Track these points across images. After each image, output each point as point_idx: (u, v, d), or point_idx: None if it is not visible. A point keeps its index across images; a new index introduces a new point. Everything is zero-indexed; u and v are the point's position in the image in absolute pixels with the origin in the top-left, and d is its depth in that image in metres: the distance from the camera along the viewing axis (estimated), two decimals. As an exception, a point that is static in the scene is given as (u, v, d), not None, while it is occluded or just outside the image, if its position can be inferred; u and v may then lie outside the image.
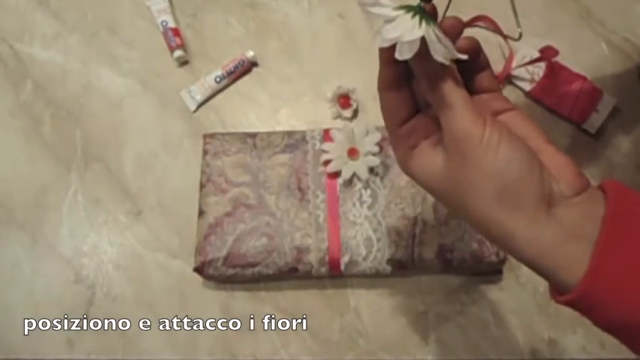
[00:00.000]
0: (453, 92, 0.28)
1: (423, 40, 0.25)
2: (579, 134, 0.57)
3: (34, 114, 0.60)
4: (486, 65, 0.33)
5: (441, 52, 0.26)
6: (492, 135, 0.27)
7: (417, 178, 0.31)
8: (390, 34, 0.25)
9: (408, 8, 0.26)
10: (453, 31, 0.29)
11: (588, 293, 0.25)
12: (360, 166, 0.51)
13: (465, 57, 0.28)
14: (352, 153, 0.51)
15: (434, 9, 0.28)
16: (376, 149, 0.51)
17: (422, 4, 0.26)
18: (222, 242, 0.50)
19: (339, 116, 0.59)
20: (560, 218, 0.27)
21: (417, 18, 0.26)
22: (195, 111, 0.60)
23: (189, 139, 0.58)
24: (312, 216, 0.50)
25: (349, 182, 0.51)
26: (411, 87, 0.31)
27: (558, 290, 0.27)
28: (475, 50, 0.31)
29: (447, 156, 0.29)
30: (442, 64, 0.27)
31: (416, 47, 0.25)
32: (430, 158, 0.30)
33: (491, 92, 0.33)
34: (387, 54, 0.28)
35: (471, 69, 0.32)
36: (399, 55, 0.26)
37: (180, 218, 0.55)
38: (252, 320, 0.51)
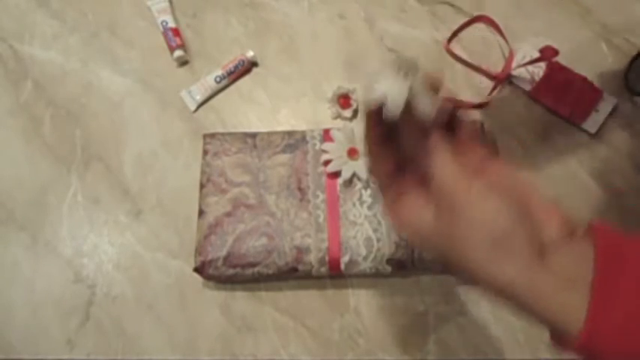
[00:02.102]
0: (438, 148, 0.29)
1: (408, 100, 0.27)
2: (579, 134, 0.57)
3: (34, 114, 0.60)
4: (466, 119, 0.33)
5: (426, 110, 0.28)
6: (479, 188, 0.28)
7: (406, 228, 0.31)
8: (379, 95, 0.28)
9: (396, 68, 0.28)
10: (435, 87, 0.29)
11: (588, 345, 0.25)
12: (360, 166, 0.51)
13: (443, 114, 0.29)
14: (352, 153, 0.51)
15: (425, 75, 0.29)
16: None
17: (408, 66, 0.29)
18: (222, 242, 0.50)
19: (339, 116, 0.59)
20: (553, 265, 0.27)
21: (403, 80, 0.28)
22: (195, 111, 0.60)
23: (189, 139, 0.58)
24: (312, 216, 0.50)
25: (349, 182, 0.51)
26: (397, 141, 0.32)
27: (557, 337, 0.27)
28: (454, 108, 0.31)
29: (437, 211, 0.29)
30: (427, 121, 0.28)
31: (400, 108, 0.27)
32: (419, 212, 0.30)
33: (474, 144, 0.33)
34: (376, 113, 0.30)
35: (454, 123, 0.32)
36: (387, 114, 0.28)
37: (180, 218, 0.55)
38: (252, 320, 0.51)
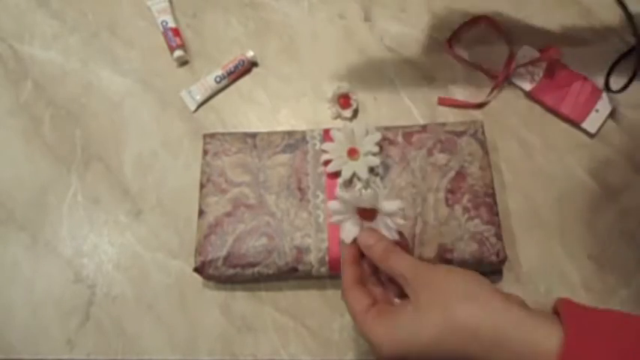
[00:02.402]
0: (402, 256, 0.37)
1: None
2: (579, 134, 0.57)
3: (34, 114, 0.60)
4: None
5: (391, 234, 0.39)
6: (438, 265, 0.37)
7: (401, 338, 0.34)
8: (345, 235, 0.40)
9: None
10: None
11: None
12: (360, 166, 0.51)
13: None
14: (352, 153, 0.51)
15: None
16: (376, 149, 0.51)
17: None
18: (222, 242, 0.50)
19: (339, 116, 0.59)
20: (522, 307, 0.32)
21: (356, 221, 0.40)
22: (195, 111, 0.60)
23: (189, 139, 0.58)
24: (312, 216, 0.50)
25: (349, 182, 0.51)
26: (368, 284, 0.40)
27: None
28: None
29: (415, 297, 0.35)
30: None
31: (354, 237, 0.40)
32: (402, 312, 0.35)
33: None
34: (351, 253, 0.39)
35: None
36: (346, 240, 0.40)
37: (180, 218, 0.55)
38: (252, 320, 0.51)
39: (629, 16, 0.59)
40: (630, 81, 0.54)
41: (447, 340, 0.32)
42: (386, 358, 0.34)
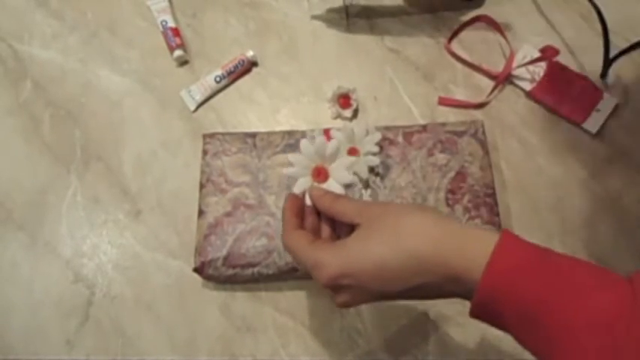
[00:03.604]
0: (349, 199, 0.40)
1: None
2: (580, 134, 0.57)
3: (33, 114, 0.60)
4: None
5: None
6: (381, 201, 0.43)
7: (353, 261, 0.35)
8: (297, 188, 0.41)
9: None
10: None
11: (490, 289, 0.30)
12: (361, 166, 0.51)
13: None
14: (352, 153, 0.51)
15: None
16: (376, 149, 0.51)
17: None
18: (222, 242, 0.49)
19: (339, 116, 0.59)
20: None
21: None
22: (194, 111, 0.60)
23: (189, 139, 0.58)
24: (312, 216, 0.50)
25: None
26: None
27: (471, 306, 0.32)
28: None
29: (363, 227, 0.36)
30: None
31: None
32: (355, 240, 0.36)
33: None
34: (295, 204, 0.40)
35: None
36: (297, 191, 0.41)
37: (179, 218, 0.55)
38: (252, 320, 0.51)
39: (594, 5, 0.59)
40: (605, 62, 0.55)
41: (394, 259, 0.33)
42: (331, 277, 0.34)
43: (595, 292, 0.28)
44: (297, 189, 0.41)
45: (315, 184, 0.42)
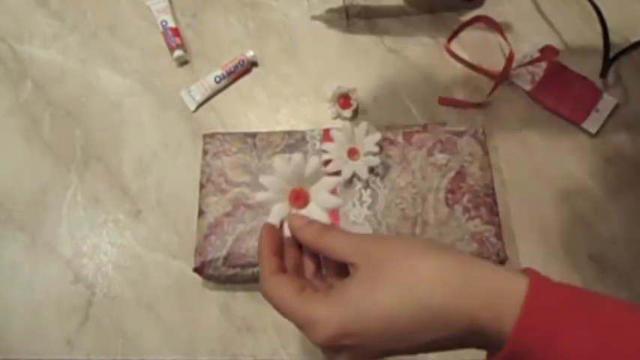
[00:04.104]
0: (338, 232, 0.32)
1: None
2: (579, 134, 0.57)
3: (33, 114, 0.60)
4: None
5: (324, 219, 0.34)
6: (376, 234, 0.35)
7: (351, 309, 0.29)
8: (272, 217, 0.34)
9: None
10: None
11: (520, 343, 0.25)
12: (360, 166, 0.51)
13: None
14: (352, 153, 0.51)
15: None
16: (376, 149, 0.51)
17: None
18: (222, 242, 0.49)
19: (339, 116, 0.59)
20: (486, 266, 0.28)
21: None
22: (194, 111, 0.60)
23: (189, 139, 0.58)
24: (312, 216, 0.50)
25: (349, 182, 0.51)
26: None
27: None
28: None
29: (363, 268, 0.29)
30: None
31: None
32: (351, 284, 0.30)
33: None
34: (272, 241, 0.33)
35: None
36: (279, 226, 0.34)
37: (180, 218, 0.55)
38: (252, 320, 0.51)
39: (594, 5, 0.60)
40: (605, 62, 0.55)
41: (407, 313, 0.27)
42: (329, 337, 0.28)
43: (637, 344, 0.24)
44: (272, 218, 0.34)
45: (294, 210, 0.35)
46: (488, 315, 0.26)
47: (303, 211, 0.34)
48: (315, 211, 0.34)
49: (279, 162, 0.35)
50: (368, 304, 0.28)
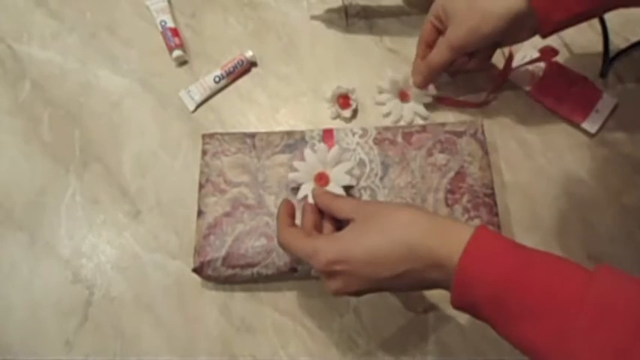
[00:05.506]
0: (347, 199, 0.46)
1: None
2: (579, 134, 0.57)
3: (32, 114, 0.60)
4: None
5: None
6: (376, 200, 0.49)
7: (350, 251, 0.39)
8: (300, 193, 0.48)
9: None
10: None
11: (465, 275, 0.33)
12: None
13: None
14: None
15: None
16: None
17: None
18: (221, 242, 0.49)
19: (338, 116, 0.59)
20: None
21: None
22: (194, 111, 0.60)
23: (188, 139, 0.58)
24: (311, 216, 0.50)
25: (347, 189, 0.51)
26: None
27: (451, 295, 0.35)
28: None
29: (359, 221, 0.40)
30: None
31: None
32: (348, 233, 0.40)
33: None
34: (289, 207, 0.45)
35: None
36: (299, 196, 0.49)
37: (179, 218, 0.55)
38: (251, 321, 0.51)
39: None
40: (605, 62, 0.56)
41: (385, 247, 0.37)
42: (328, 261, 0.38)
43: (556, 277, 0.32)
44: (300, 194, 0.47)
45: (317, 187, 0.47)
46: (444, 251, 0.35)
47: (326, 189, 0.47)
48: (334, 188, 0.47)
49: (308, 152, 0.49)
50: (358, 241, 0.38)
